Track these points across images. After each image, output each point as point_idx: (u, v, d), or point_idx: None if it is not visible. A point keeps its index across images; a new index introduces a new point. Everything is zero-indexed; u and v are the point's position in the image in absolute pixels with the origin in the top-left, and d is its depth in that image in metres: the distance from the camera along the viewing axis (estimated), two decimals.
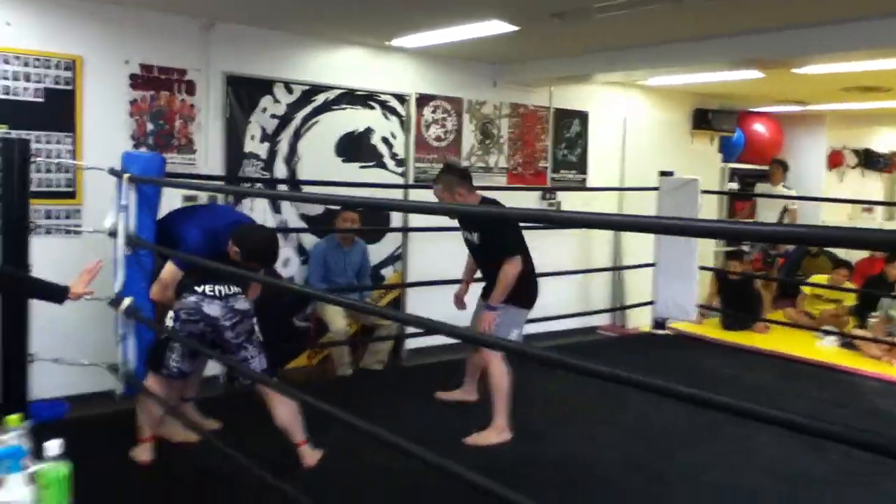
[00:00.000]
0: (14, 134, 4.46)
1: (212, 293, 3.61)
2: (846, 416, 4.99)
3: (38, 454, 1.86)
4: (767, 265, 7.94)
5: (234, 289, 3.68)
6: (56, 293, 3.31)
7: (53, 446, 1.79)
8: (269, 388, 3.52)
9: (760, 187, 8.66)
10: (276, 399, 3.55)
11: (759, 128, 9.20)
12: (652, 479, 3.84)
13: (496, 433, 4.22)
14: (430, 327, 2.39)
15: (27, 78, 4.56)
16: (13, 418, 1.92)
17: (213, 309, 3.59)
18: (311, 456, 3.67)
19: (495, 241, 4.23)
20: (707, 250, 8.45)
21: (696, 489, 3.73)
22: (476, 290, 4.66)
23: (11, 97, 4.52)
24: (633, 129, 7.89)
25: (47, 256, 4.50)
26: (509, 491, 2.06)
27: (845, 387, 5.74)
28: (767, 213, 8.37)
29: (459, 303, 4.75)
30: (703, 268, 7.02)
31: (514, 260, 4.16)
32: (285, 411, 3.59)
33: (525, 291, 4.29)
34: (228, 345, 3.62)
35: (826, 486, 3.83)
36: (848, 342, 6.69)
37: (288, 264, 5.70)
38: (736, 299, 7.21)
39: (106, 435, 4.02)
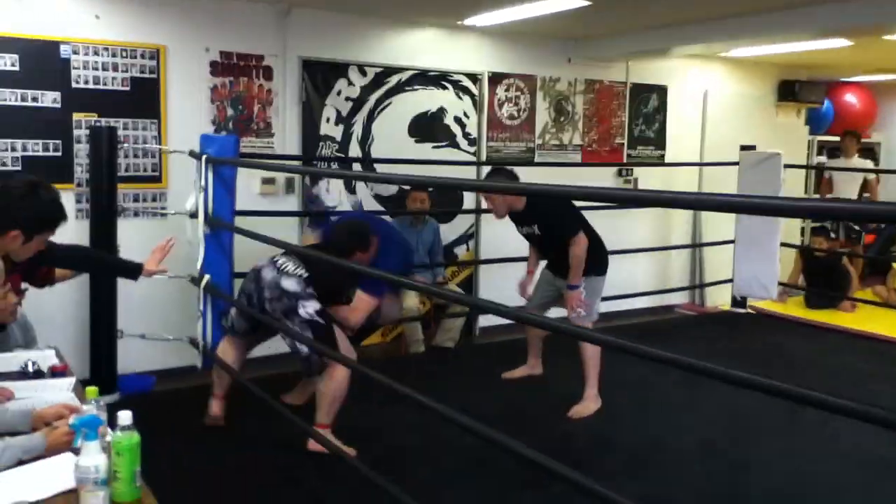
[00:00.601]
0: (103, 122, 4.70)
1: (275, 263, 3.74)
2: None
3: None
4: (852, 241, 7.63)
5: (298, 270, 3.71)
6: (131, 270, 3.52)
7: (125, 417, 1.91)
8: (328, 359, 3.56)
9: (834, 162, 8.27)
10: (331, 371, 3.61)
11: (851, 98, 8.82)
12: (729, 464, 3.78)
13: (592, 402, 4.44)
14: (500, 313, 2.42)
15: (115, 68, 4.79)
16: (91, 390, 2.07)
17: (266, 274, 3.73)
18: (317, 443, 3.54)
19: (556, 225, 4.34)
20: (792, 226, 8.20)
21: (773, 476, 3.66)
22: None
23: (101, 87, 4.75)
24: (714, 102, 7.67)
25: (135, 238, 4.74)
26: (577, 473, 2.07)
27: None
28: (845, 187, 8.01)
29: (524, 291, 4.79)
30: (784, 244, 6.80)
31: (579, 237, 4.27)
32: (329, 387, 3.62)
33: (597, 260, 4.43)
34: (269, 315, 3.72)
35: None
36: None
37: None
38: (822, 277, 6.97)
39: (187, 407, 4.23)
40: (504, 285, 5.61)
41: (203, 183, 4.18)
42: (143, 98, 4.89)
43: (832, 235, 7.86)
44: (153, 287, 4.73)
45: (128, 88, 4.84)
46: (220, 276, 4.28)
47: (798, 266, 7.18)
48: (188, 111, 5.05)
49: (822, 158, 8.91)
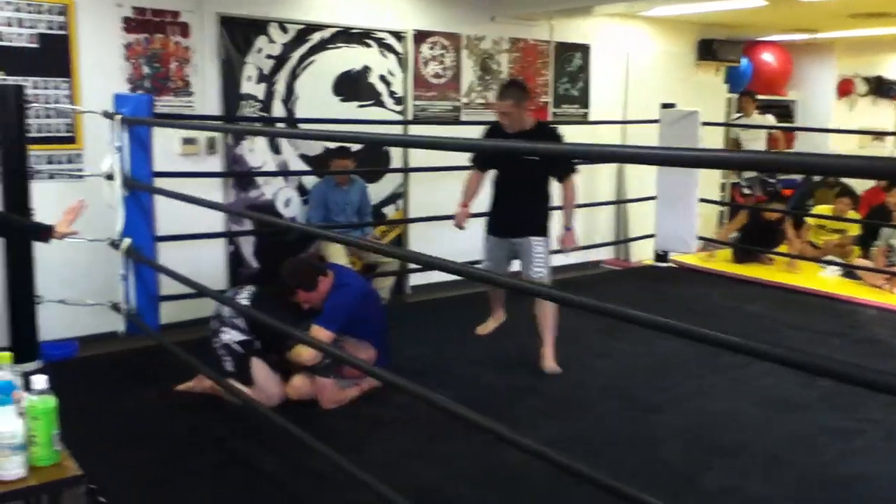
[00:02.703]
0: (10, 80, 4.50)
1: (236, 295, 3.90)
2: (842, 345, 5.07)
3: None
4: (770, 196, 7.92)
5: (244, 301, 3.80)
6: (40, 232, 3.40)
7: (40, 381, 1.88)
8: None
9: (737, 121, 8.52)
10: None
11: (768, 57, 9.06)
12: (642, 407, 3.95)
13: (550, 359, 4.40)
14: (428, 264, 2.42)
15: (20, 23, 4.57)
16: (4, 356, 2.02)
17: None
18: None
19: (560, 160, 4.34)
20: (712, 183, 8.44)
21: (681, 416, 3.84)
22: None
23: (5, 43, 4.54)
24: (636, 61, 7.79)
25: (51, 201, 4.59)
26: (492, 421, 2.14)
27: (844, 316, 5.81)
28: (752, 145, 8.31)
29: (462, 220, 4.64)
30: (703, 200, 7.02)
31: (575, 179, 4.40)
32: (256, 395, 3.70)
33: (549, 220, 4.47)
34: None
35: (806, 412, 3.92)
36: (850, 272, 6.72)
37: (289, 204, 5.78)
38: (757, 234, 7.17)
39: (110, 372, 4.17)
40: (434, 244, 5.65)
41: (118, 144, 4.06)
42: (53, 56, 4.69)
43: (746, 192, 8.14)
44: (73, 251, 4.61)
45: (36, 45, 4.64)
46: (141, 239, 4.19)
47: (738, 223, 7.37)
48: (102, 69, 4.87)
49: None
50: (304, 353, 3.64)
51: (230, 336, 3.78)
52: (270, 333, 3.63)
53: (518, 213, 4.46)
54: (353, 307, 3.82)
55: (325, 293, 3.82)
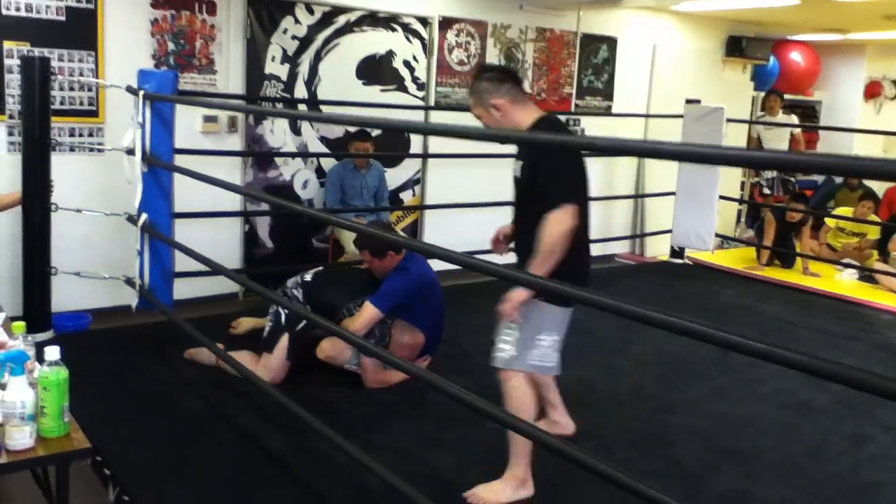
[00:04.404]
0: (36, 52, 4.53)
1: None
2: (857, 349, 5.02)
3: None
4: (788, 195, 7.83)
5: (306, 277, 3.99)
6: None
7: (53, 352, 1.90)
8: None
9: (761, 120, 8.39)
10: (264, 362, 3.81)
11: (796, 56, 8.94)
12: (657, 406, 3.92)
13: (511, 486, 2.87)
14: (437, 255, 2.40)
15: None
16: (18, 325, 2.04)
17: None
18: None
19: (540, 173, 2.78)
20: (732, 181, 8.37)
21: (698, 417, 3.81)
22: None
23: (33, 15, 4.56)
24: (663, 56, 7.72)
25: (71, 174, 4.64)
26: (504, 412, 2.13)
27: (860, 320, 5.75)
28: (775, 145, 8.21)
29: (497, 245, 3.28)
30: (723, 197, 6.96)
31: (562, 211, 2.68)
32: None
33: (566, 274, 2.64)
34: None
35: (821, 416, 3.89)
36: (867, 276, 6.66)
37: (307, 186, 5.79)
38: (782, 240, 7.02)
39: (122, 346, 4.21)
40: (450, 231, 5.64)
41: (140, 119, 4.07)
42: (80, 29, 4.71)
43: (766, 191, 8.05)
44: (91, 225, 4.65)
45: (63, 18, 4.65)
46: (158, 216, 4.20)
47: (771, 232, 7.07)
48: (127, 44, 4.89)
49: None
50: (352, 326, 3.70)
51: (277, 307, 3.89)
52: (324, 309, 3.75)
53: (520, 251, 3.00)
54: (407, 292, 3.88)
55: (388, 267, 3.90)
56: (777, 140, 8.19)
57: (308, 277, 3.97)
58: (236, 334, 4.30)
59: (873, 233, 7.04)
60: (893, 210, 7.52)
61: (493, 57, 6.61)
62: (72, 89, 4.75)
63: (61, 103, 4.66)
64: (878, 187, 8.06)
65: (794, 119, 8.28)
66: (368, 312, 3.70)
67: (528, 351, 2.82)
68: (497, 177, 5.66)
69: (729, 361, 4.42)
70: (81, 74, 4.73)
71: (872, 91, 9.37)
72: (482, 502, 2.82)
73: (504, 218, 3.32)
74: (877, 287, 6.48)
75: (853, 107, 9.28)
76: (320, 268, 4.12)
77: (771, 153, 1.82)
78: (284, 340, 3.78)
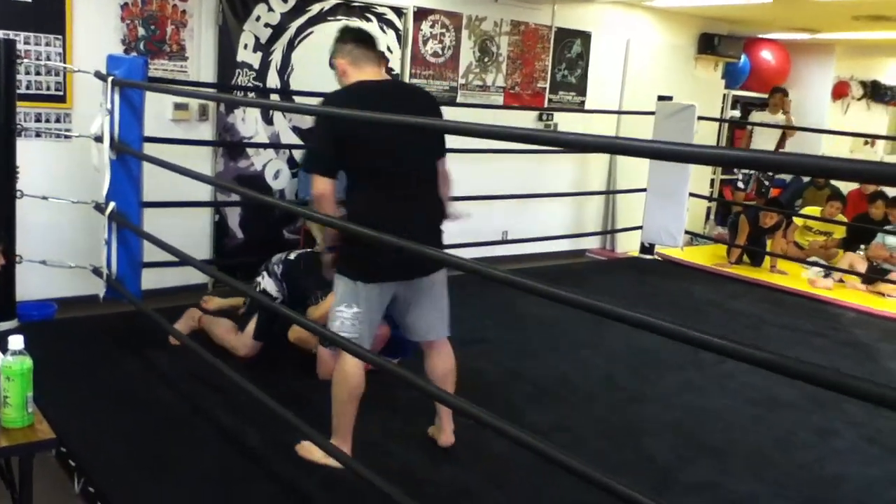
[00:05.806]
0: (1, 34, 4.42)
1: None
2: (824, 346, 5.10)
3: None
4: (761, 196, 7.91)
5: (290, 256, 4.05)
6: None
7: (16, 341, 1.85)
8: None
9: (756, 116, 8.35)
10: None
11: (767, 55, 9.03)
12: (629, 399, 3.96)
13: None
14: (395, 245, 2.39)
15: None
16: None
17: None
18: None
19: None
20: (702, 179, 8.44)
21: (669, 410, 3.85)
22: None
23: None
24: (636, 51, 7.75)
25: (37, 160, 4.54)
26: (479, 409, 2.12)
27: (826, 317, 5.84)
28: (763, 143, 8.23)
29: None
30: (693, 195, 7.02)
31: (314, 181, 2.78)
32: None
33: (359, 248, 2.66)
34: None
35: (790, 410, 3.94)
36: (832, 274, 6.76)
37: (279, 176, 5.73)
38: (754, 240, 7.07)
39: (88, 336, 4.14)
40: None
41: (109, 106, 4.00)
42: (47, 12, 4.60)
43: (740, 185, 8.08)
44: (57, 213, 4.56)
45: (30, 0, 4.55)
46: (127, 205, 4.14)
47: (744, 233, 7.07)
48: (96, 29, 4.79)
49: (736, 113, 9.14)
50: (315, 313, 3.74)
51: (267, 284, 3.94)
52: (297, 290, 3.87)
53: None
54: None
55: None
56: (768, 139, 8.09)
57: (292, 256, 4.01)
58: (206, 309, 4.31)
59: (839, 232, 7.15)
60: (858, 210, 7.63)
61: (468, 49, 6.59)
62: (38, 74, 4.65)
63: (27, 88, 4.56)
64: (844, 186, 8.17)
65: (791, 120, 8.28)
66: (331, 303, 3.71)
67: (331, 322, 2.86)
68: (476, 171, 5.67)
69: (700, 356, 4.46)
70: (49, 59, 4.63)
71: (840, 91, 9.50)
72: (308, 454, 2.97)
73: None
74: (842, 285, 6.59)
75: (821, 106, 9.40)
76: (307, 250, 4.14)
77: (741, 152, 1.82)
78: (254, 321, 3.90)
